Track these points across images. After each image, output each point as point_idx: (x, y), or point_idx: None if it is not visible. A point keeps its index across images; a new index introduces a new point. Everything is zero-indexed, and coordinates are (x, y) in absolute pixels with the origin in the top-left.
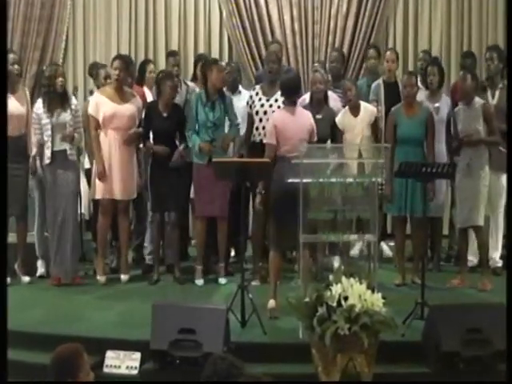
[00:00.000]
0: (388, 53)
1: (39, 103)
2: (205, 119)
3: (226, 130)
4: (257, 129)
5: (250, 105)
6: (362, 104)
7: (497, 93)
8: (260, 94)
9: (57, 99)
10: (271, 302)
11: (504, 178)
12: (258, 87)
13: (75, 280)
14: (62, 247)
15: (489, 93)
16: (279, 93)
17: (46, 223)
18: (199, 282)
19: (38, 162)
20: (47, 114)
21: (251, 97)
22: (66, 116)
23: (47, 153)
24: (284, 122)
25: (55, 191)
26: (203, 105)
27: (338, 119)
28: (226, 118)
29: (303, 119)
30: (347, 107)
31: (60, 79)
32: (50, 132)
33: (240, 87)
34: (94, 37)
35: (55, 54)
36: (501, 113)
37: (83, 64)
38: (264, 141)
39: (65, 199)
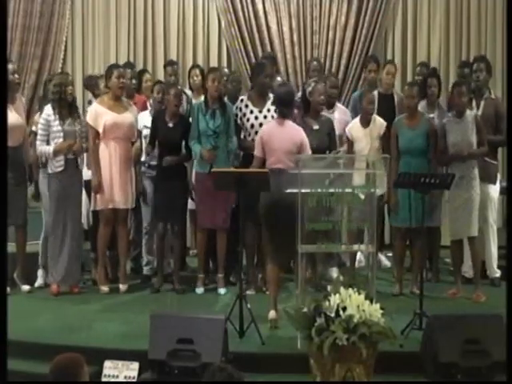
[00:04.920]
0: (389, 66)
1: (48, 110)
2: (205, 127)
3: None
4: (252, 141)
5: (241, 116)
6: (373, 116)
7: (482, 103)
8: (250, 106)
9: (67, 107)
10: (272, 313)
11: (492, 189)
12: (245, 98)
13: (74, 289)
14: (66, 255)
15: (474, 103)
16: (269, 103)
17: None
18: (199, 290)
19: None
20: (59, 121)
21: (240, 108)
22: (75, 125)
23: (60, 160)
24: (270, 133)
25: (63, 199)
26: (203, 113)
27: (348, 129)
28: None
29: (291, 132)
30: (358, 118)
31: (70, 87)
32: (61, 140)
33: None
34: (92, 47)
35: (54, 64)
36: (486, 123)
37: (82, 74)
38: None
39: (71, 207)
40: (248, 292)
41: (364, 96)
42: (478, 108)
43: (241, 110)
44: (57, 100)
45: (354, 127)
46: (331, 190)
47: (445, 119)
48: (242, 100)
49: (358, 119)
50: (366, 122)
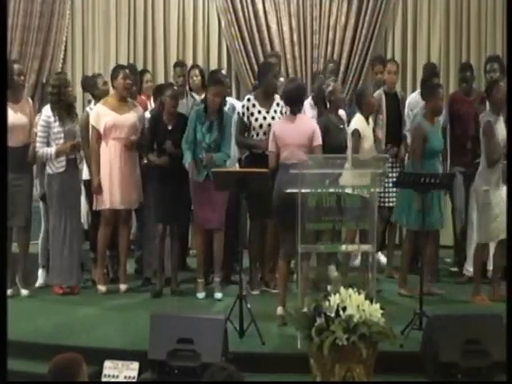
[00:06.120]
0: (390, 64)
1: (47, 111)
2: (201, 139)
3: None
4: (260, 141)
5: (248, 116)
6: None
7: None
8: (258, 106)
9: (65, 108)
10: (280, 309)
11: (505, 189)
12: (251, 97)
13: (74, 289)
14: (68, 255)
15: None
16: (274, 104)
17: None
18: (200, 295)
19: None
20: (59, 122)
21: (248, 108)
22: (74, 125)
23: (61, 161)
24: (282, 129)
25: (64, 199)
26: (201, 123)
27: (357, 126)
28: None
29: (303, 126)
30: (361, 115)
31: (69, 88)
32: (62, 141)
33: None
34: (92, 47)
35: (54, 64)
36: None
37: (82, 74)
38: (266, 152)
39: (72, 207)
40: (253, 292)
41: (365, 92)
42: None
43: (248, 109)
44: (55, 101)
45: (363, 125)
46: (331, 190)
47: (484, 118)
48: (249, 99)
49: (359, 116)
50: (367, 118)
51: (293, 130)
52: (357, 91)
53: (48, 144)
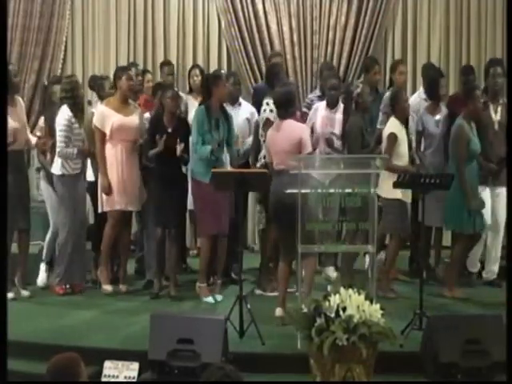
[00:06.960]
0: (401, 66)
1: (68, 112)
2: (210, 138)
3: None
4: None
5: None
6: None
7: (499, 108)
8: None
9: (80, 110)
10: (279, 310)
11: (505, 190)
12: (270, 101)
13: (76, 289)
14: (73, 254)
15: (491, 108)
16: None
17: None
18: (208, 299)
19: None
20: (78, 123)
21: (271, 110)
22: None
23: (78, 163)
24: (272, 136)
25: (75, 200)
26: (208, 122)
27: (393, 130)
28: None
29: (289, 132)
30: (395, 119)
31: (81, 91)
32: (81, 142)
33: (240, 99)
34: (92, 47)
35: (54, 65)
36: (505, 129)
37: (82, 74)
38: None
39: (79, 207)
40: (257, 291)
41: (397, 95)
42: (495, 113)
43: (272, 111)
44: (71, 104)
45: (399, 129)
46: (331, 190)
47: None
48: (270, 103)
49: (394, 120)
50: (401, 122)
51: (280, 136)
52: (390, 95)
53: (67, 145)
